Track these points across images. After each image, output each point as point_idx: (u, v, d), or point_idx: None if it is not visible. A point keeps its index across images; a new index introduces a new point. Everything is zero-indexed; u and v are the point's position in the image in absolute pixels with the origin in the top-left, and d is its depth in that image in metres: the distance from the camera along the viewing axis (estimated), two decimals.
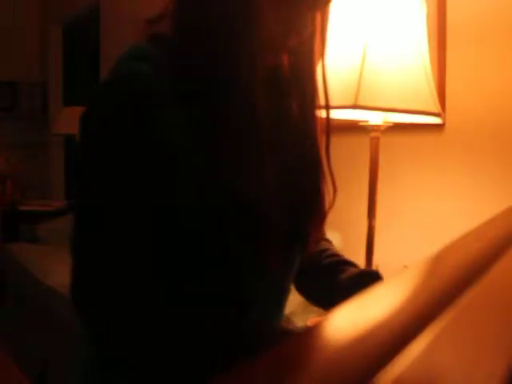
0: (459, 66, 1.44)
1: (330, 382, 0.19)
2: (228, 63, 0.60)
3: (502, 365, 0.23)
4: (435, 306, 0.27)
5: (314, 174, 0.72)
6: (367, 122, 1.23)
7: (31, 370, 2.03)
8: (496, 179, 1.36)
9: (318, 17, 0.67)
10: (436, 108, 1.19)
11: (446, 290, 0.29)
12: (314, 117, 0.71)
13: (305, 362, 0.21)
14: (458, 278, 0.32)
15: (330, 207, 0.73)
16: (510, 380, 0.23)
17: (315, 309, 1.21)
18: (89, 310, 0.59)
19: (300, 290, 0.84)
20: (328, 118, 0.71)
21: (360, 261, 1.20)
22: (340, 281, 0.75)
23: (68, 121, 3.41)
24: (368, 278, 0.73)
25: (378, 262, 1.34)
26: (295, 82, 0.71)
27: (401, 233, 1.60)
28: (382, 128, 1.23)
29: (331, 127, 0.72)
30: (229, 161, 0.60)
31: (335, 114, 0.72)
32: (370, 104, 1.10)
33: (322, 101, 0.72)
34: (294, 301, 0.85)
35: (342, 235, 1.65)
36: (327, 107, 0.71)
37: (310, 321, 1.22)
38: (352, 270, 0.77)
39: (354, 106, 1.09)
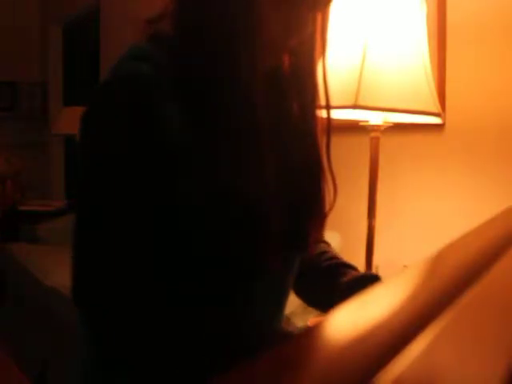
0: (459, 66, 1.44)
1: (330, 382, 0.19)
2: (228, 63, 0.60)
3: (502, 365, 0.23)
4: (435, 306, 0.27)
5: (315, 174, 0.72)
6: (367, 122, 1.23)
7: (31, 370, 2.03)
8: (496, 179, 1.36)
9: (319, 17, 0.67)
10: (436, 108, 1.19)
11: (446, 290, 0.29)
12: (314, 117, 0.71)
13: (305, 362, 0.21)
14: (457, 278, 0.32)
15: (331, 207, 0.73)
16: (510, 380, 0.23)
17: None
18: (89, 309, 0.59)
19: (299, 293, 0.84)
20: (329, 118, 0.71)
21: (360, 261, 1.20)
22: (340, 284, 0.75)
23: (68, 121, 3.41)
24: (368, 281, 0.73)
25: (378, 262, 1.34)
26: (295, 82, 0.71)
27: (401, 233, 1.60)
28: (382, 128, 1.23)
29: (331, 127, 0.72)
30: (229, 161, 0.60)
31: (335, 114, 0.72)
32: (370, 104, 1.10)
33: (322, 101, 0.72)
34: (294, 301, 0.85)
35: (342, 235, 1.65)
36: (328, 107, 0.71)
37: (310, 321, 1.22)
38: (352, 273, 0.77)
39: (354, 106, 1.09)
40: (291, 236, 0.68)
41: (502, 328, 0.28)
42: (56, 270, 2.24)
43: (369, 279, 0.74)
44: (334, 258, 0.82)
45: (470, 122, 1.42)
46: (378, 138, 1.23)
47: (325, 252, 0.83)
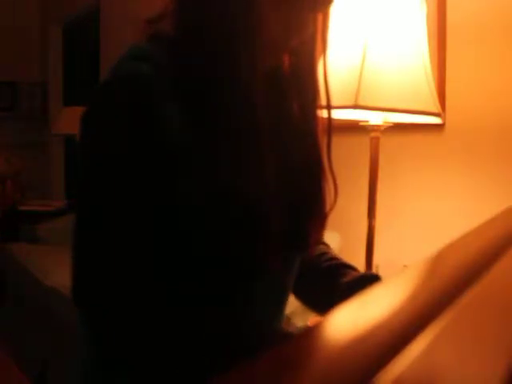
0: (459, 66, 1.44)
1: (330, 382, 0.19)
2: (228, 63, 0.60)
3: (502, 365, 0.23)
4: (435, 306, 0.27)
5: (315, 174, 0.72)
6: (367, 122, 1.23)
7: (31, 370, 2.03)
8: (496, 179, 1.36)
9: (320, 17, 0.67)
10: (436, 108, 1.19)
11: (446, 290, 0.29)
12: (315, 117, 0.71)
13: (305, 362, 0.21)
14: (457, 278, 0.32)
15: (332, 208, 0.73)
16: (510, 380, 0.23)
17: None
18: (89, 309, 0.59)
19: (298, 294, 0.83)
20: (329, 118, 0.71)
21: (360, 261, 1.20)
22: (341, 284, 0.75)
23: (68, 121, 3.41)
24: (369, 281, 0.73)
25: (378, 262, 1.34)
26: (296, 82, 0.71)
27: (401, 233, 1.60)
28: (382, 128, 1.23)
29: (332, 127, 0.72)
30: (229, 161, 0.60)
31: (335, 114, 0.72)
32: (370, 104, 1.10)
33: (323, 101, 0.71)
34: (294, 301, 0.85)
35: (342, 235, 1.65)
36: (328, 107, 0.71)
37: (310, 321, 1.22)
38: (352, 274, 0.77)
39: (354, 106, 1.09)
40: (291, 236, 0.68)
41: (502, 328, 0.28)
42: (56, 270, 2.24)
43: (369, 279, 0.74)
44: (334, 258, 0.82)
45: (470, 122, 1.42)
46: (377, 138, 1.23)
47: (324, 253, 0.83)
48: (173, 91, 0.58)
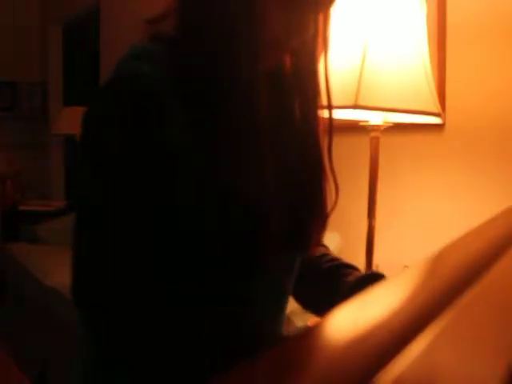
0: (459, 66, 1.44)
1: (330, 382, 0.19)
2: (228, 63, 0.60)
3: (502, 365, 0.23)
4: (435, 306, 0.27)
5: (316, 174, 0.72)
6: (367, 122, 1.23)
7: (31, 370, 2.03)
8: (496, 179, 1.36)
9: (321, 18, 0.67)
10: (436, 108, 1.19)
11: (446, 290, 0.29)
12: (315, 117, 0.71)
13: (305, 361, 0.21)
14: (457, 278, 0.32)
15: (333, 208, 0.73)
16: (510, 380, 0.23)
17: None
18: (89, 309, 0.59)
19: (297, 296, 0.83)
20: (330, 118, 0.71)
21: (360, 261, 1.20)
22: (346, 282, 0.75)
23: (68, 121, 3.41)
24: (375, 279, 0.73)
25: (378, 262, 1.34)
26: (297, 82, 0.71)
27: (401, 233, 1.60)
28: (382, 128, 1.23)
29: (333, 127, 0.72)
30: (229, 161, 0.60)
31: (335, 114, 0.72)
32: (370, 104, 1.10)
33: (323, 101, 0.71)
34: (294, 301, 0.85)
35: (342, 235, 1.65)
36: (329, 107, 0.71)
37: (310, 321, 1.22)
38: (356, 273, 0.77)
39: (354, 106, 1.09)
40: (291, 236, 0.68)
41: (502, 328, 0.28)
42: (56, 270, 2.24)
43: (375, 277, 0.74)
44: (335, 259, 0.82)
45: (470, 122, 1.42)
46: (377, 138, 1.23)
47: (325, 254, 0.83)
48: (173, 91, 0.58)
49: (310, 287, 0.82)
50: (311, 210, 0.72)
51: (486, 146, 1.39)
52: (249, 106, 0.60)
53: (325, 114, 0.71)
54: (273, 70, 0.68)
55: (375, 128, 1.22)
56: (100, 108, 0.59)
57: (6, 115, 4.29)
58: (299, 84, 0.71)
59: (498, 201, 1.34)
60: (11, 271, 2.76)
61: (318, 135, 0.71)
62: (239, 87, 0.60)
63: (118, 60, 0.61)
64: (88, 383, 0.67)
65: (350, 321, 0.26)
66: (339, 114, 1.19)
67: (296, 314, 1.39)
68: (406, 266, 1.35)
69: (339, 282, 0.76)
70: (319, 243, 0.78)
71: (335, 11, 0.68)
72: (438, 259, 0.39)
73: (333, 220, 0.74)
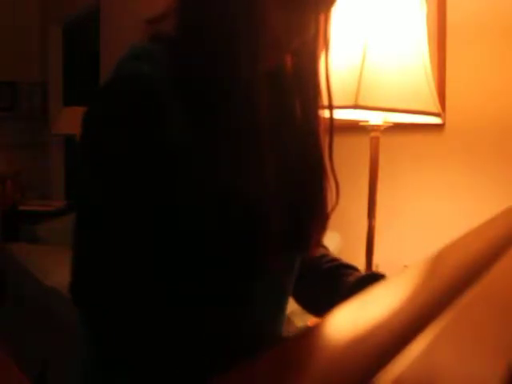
0: (459, 66, 1.44)
1: (330, 382, 0.19)
2: (228, 63, 0.60)
3: (502, 365, 0.23)
4: (435, 306, 0.27)
5: (316, 174, 0.72)
6: (367, 122, 1.23)
7: (31, 370, 2.03)
8: (496, 179, 1.36)
9: (322, 18, 0.67)
10: (436, 108, 1.19)
11: (446, 290, 0.29)
12: (316, 117, 0.71)
13: (305, 361, 0.21)
14: (457, 278, 0.32)
15: (333, 208, 0.73)
16: (510, 380, 0.23)
17: None
18: (89, 309, 0.59)
19: (297, 296, 0.83)
20: (331, 118, 0.71)
21: (360, 261, 1.20)
22: (347, 282, 0.75)
23: (68, 121, 3.41)
24: (376, 279, 0.73)
25: (378, 262, 1.34)
26: (297, 82, 0.71)
27: (401, 233, 1.60)
28: (382, 128, 1.23)
29: (334, 127, 0.72)
30: (229, 161, 0.60)
31: (335, 114, 0.72)
32: (370, 104, 1.10)
33: (324, 101, 0.71)
34: (294, 301, 0.84)
35: (342, 235, 1.65)
36: (330, 107, 0.71)
37: (310, 321, 1.22)
38: (356, 274, 0.77)
39: (355, 106, 1.09)
40: (292, 236, 0.68)
41: (502, 328, 0.28)
42: (56, 270, 2.24)
43: (376, 278, 0.74)
44: (335, 260, 0.82)
45: (470, 122, 1.42)
46: (377, 138, 1.23)
47: (325, 255, 0.83)
48: (173, 91, 0.58)
49: (310, 287, 0.82)
50: (311, 210, 0.71)
51: (486, 146, 1.39)
52: (249, 105, 0.60)
53: (325, 113, 0.71)
54: (273, 70, 0.68)
55: (375, 128, 1.22)
56: (100, 108, 0.59)
57: (6, 115, 4.29)
58: (300, 84, 0.71)
59: (498, 201, 1.34)
60: (11, 271, 2.76)
61: (319, 135, 0.71)
62: (239, 87, 0.60)
63: (117, 60, 0.61)
64: (88, 383, 0.67)
65: (350, 321, 0.26)
66: (339, 114, 1.19)
67: (296, 314, 1.39)
68: (405, 266, 1.35)
69: (339, 283, 0.76)
70: (319, 243, 0.78)
71: (336, 11, 0.68)
72: (438, 259, 0.39)
73: (333, 220, 0.74)
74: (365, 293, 0.29)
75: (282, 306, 0.74)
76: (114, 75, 0.59)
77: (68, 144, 4.30)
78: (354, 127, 1.35)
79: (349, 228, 1.67)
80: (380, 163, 1.25)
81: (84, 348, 0.69)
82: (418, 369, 0.20)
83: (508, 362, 0.24)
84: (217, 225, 0.59)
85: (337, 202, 0.72)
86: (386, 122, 1.23)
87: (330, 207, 0.73)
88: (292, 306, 0.80)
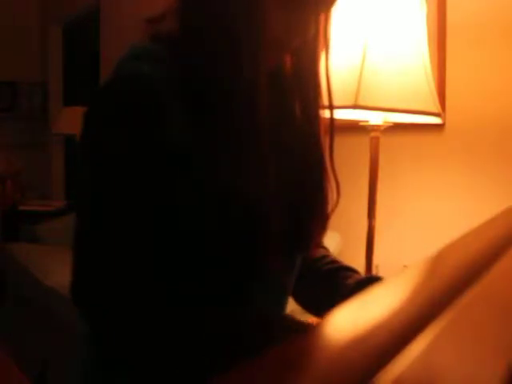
0: (459, 66, 1.44)
1: (330, 382, 0.19)
2: (228, 63, 0.60)
3: (502, 365, 0.23)
4: (435, 306, 0.27)
5: (317, 174, 0.72)
6: (367, 122, 1.23)
7: (31, 370, 2.03)
8: (496, 179, 1.36)
9: (322, 18, 0.67)
10: (436, 108, 1.19)
11: (446, 290, 0.29)
12: (316, 117, 0.71)
13: (305, 361, 0.21)
14: (457, 278, 0.32)
15: (334, 208, 0.73)
16: (510, 380, 0.23)
17: None
18: (89, 309, 0.59)
19: (297, 297, 0.83)
20: (331, 118, 0.71)
21: (360, 261, 1.20)
22: (347, 285, 0.75)
23: (68, 121, 3.41)
24: (374, 283, 0.73)
25: (378, 262, 1.34)
26: (298, 82, 0.71)
27: (401, 233, 1.60)
28: (382, 128, 1.23)
29: (334, 127, 0.72)
30: (229, 161, 0.60)
31: (335, 114, 0.72)
32: (370, 104, 1.10)
33: (324, 101, 0.71)
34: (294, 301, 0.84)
35: (342, 235, 1.65)
36: (330, 107, 0.71)
37: (311, 320, 1.22)
38: (356, 276, 0.77)
39: (354, 106, 1.09)
40: (292, 236, 0.68)
41: (502, 328, 0.28)
42: (56, 270, 2.24)
43: (376, 280, 0.74)
44: (335, 261, 0.82)
45: (470, 122, 1.42)
46: (377, 138, 1.23)
47: (325, 256, 0.83)
48: (173, 91, 0.58)
49: (309, 288, 0.82)
50: (311, 210, 0.71)
51: (486, 146, 1.39)
52: (249, 106, 0.60)
53: (326, 114, 0.71)
54: (273, 70, 0.68)
55: (375, 128, 1.22)
56: (100, 108, 0.59)
57: (6, 115, 4.29)
58: (300, 84, 0.71)
59: (498, 201, 1.34)
60: (11, 271, 2.76)
61: (319, 135, 0.71)
62: (239, 87, 0.60)
63: (118, 60, 0.61)
64: (88, 383, 0.67)
65: (350, 321, 0.26)
66: (339, 114, 1.19)
67: (296, 314, 1.39)
68: (405, 266, 1.35)
69: (339, 285, 0.76)
70: (320, 244, 0.78)
71: (336, 11, 0.68)
72: (438, 259, 0.39)
73: (333, 220, 0.74)
74: (365, 293, 0.29)
75: (282, 305, 0.74)
76: (114, 75, 0.59)
77: (68, 144, 4.30)
78: (353, 127, 1.35)
79: (349, 228, 1.67)
80: (380, 163, 1.24)
81: (84, 348, 0.69)
82: (417, 369, 0.20)
83: (508, 362, 0.24)
84: (217, 225, 0.59)
85: (337, 202, 0.72)
86: (385, 122, 1.23)
87: (330, 207, 0.73)
88: (292, 305, 0.80)
